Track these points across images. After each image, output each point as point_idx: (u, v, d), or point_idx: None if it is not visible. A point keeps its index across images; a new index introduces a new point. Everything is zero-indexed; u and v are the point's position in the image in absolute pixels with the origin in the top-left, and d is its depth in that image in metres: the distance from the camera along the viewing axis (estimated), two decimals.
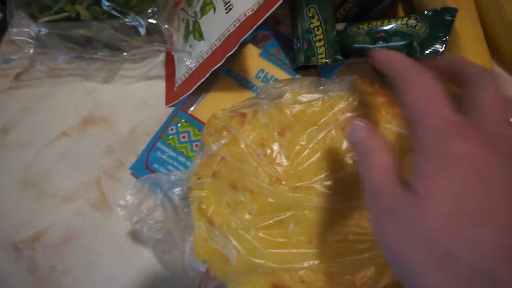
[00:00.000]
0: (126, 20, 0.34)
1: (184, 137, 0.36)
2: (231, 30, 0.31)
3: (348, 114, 0.31)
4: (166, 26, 0.35)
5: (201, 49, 0.35)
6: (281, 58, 0.39)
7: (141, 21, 0.34)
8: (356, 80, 0.34)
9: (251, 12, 0.29)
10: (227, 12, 0.31)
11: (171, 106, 0.39)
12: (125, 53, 0.38)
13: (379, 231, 0.20)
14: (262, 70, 0.38)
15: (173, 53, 0.40)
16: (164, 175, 0.30)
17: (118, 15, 0.34)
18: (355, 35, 0.36)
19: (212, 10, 0.33)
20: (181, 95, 0.38)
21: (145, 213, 0.29)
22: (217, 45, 0.33)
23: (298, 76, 0.38)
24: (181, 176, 0.30)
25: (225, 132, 0.32)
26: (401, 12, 0.39)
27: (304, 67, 0.38)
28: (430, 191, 0.18)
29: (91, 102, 0.41)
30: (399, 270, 0.19)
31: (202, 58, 0.35)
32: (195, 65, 0.36)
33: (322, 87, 0.32)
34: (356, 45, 0.36)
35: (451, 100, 0.20)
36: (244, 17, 0.30)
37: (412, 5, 0.38)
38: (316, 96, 0.31)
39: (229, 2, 0.31)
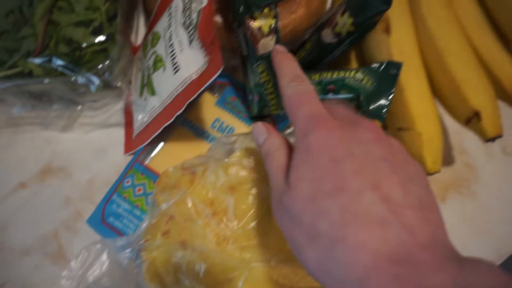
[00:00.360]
0: (78, 78, 0.34)
1: (139, 190, 0.37)
2: (179, 91, 0.32)
3: None
4: (118, 84, 0.36)
5: (154, 104, 0.35)
6: (238, 106, 0.39)
7: (93, 78, 0.35)
8: None
9: (195, 76, 0.30)
10: (174, 73, 0.32)
11: (130, 154, 0.40)
12: (79, 106, 0.38)
13: (276, 219, 0.23)
14: (218, 120, 0.39)
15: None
16: (111, 240, 0.30)
17: (70, 73, 0.35)
18: None
19: (162, 68, 0.34)
20: (138, 145, 0.38)
21: (91, 281, 0.30)
22: (168, 102, 0.33)
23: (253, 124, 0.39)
24: (128, 240, 0.31)
25: (177, 190, 0.32)
26: (353, 60, 0.40)
27: (259, 116, 0.39)
28: (297, 180, 0.22)
29: (50, 151, 0.41)
30: (293, 251, 0.22)
31: (155, 113, 0.35)
32: (148, 119, 0.36)
33: None
34: None
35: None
36: (190, 80, 0.30)
37: (362, 53, 0.39)
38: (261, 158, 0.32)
39: (176, 63, 0.32)
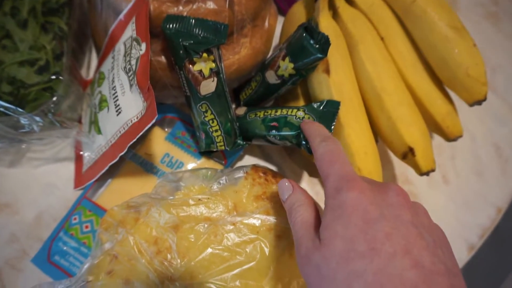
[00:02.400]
0: (20, 119, 0.34)
1: (87, 227, 0.37)
2: (122, 132, 0.32)
3: (239, 209, 0.33)
4: (63, 123, 0.36)
5: (100, 142, 0.36)
6: (187, 141, 0.40)
7: (36, 118, 0.35)
8: (249, 170, 0.36)
9: (136, 120, 0.31)
10: (117, 115, 0.33)
11: (80, 189, 0.40)
12: (24, 145, 0.38)
13: (303, 274, 0.24)
14: (167, 154, 0.39)
15: None
16: (49, 284, 0.30)
17: (12, 114, 0.35)
18: (253, 121, 0.38)
19: (107, 108, 0.34)
20: (87, 180, 0.38)
21: None
22: (112, 142, 0.34)
23: (202, 159, 0.40)
24: (70, 283, 0.31)
25: (120, 229, 0.33)
26: (300, 95, 0.42)
27: (208, 151, 0.40)
28: (330, 237, 0.22)
29: None
30: None
31: (101, 151, 0.36)
32: (95, 157, 0.36)
33: (216, 183, 0.34)
34: (253, 130, 0.38)
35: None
36: (131, 123, 0.31)
37: (307, 89, 0.41)
38: (204, 196, 0.33)
39: (118, 105, 0.32)
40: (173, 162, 0.39)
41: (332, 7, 0.40)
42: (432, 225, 0.24)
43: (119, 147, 0.33)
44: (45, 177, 0.41)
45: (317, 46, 0.35)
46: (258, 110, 0.39)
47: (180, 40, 0.32)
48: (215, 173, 0.36)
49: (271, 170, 0.37)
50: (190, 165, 0.39)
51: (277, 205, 0.34)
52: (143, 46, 0.30)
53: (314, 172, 0.44)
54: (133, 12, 0.34)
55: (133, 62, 0.31)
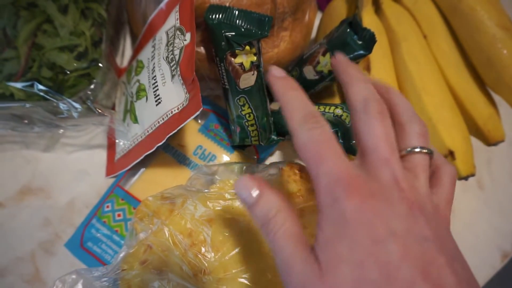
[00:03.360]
0: (60, 104, 0.35)
1: (119, 215, 0.37)
2: (160, 123, 0.32)
3: None
4: (104, 107, 0.36)
5: (136, 131, 0.36)
6: (220, 133, 0.40)
7: (75, 105, 0.35)
8: (284, 166, 0.35)
9: (176, 111, 0.30)
10: (156, 105, 0.32)
11: (112, 177, 0.40)
12: (61, 130, 0.38)
13: None
14: (200, 147, 0.39)
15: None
16: (86, 270, 0.30)
17: (51, 98, 0.35)
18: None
19: (145, 98, 0.34)
20: (120, 169, 0.38)
21: None
22: (149, 132, 0.34)
23: (235, 153, 0.39)
24: (106, 270, 0.31)
25: (155, 220, 0.33)
26: (336, 93, 0.41)
27: (241, 145, 0.39)
28: (332, 261, 0.18)
29: (30, 171, 0.41)
30: None
31: (137, 140, 0.36)
32: (130, 146, 0.36)
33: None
34: (284, 125, 0.38)
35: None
36: (171, 114, 0.31)
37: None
38: None
39: (158, 95, 0.32)
40: (206, 155, 0.39)
41: (376, 3, 0.38)
42: (448, 232, 0.21)
43: (157, 138, 0.32)
44: (78, 164, 0.41)
45: (361, 42, 0.34)
46: None
47: (223, 31, 0.32)
48: (249, 168, 0.36)
49: (305, 167, 0.36)
50: (223, 158, 0.39)
51: (313, 204, 0.34)
52: (188, 36, 0.30)
53: None
54: (176, 1, 0.33)
55: (177, 52, 0.30)
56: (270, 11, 0.36)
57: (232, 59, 0.33)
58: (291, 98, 0.22)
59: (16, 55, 0.36)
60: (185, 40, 0.30)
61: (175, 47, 0.31)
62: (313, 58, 0.37)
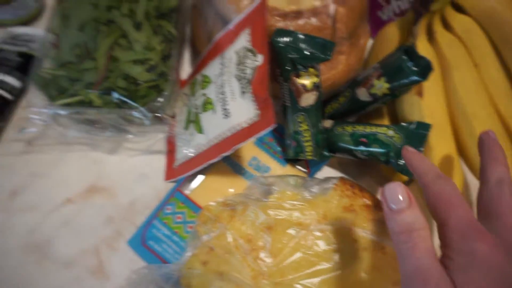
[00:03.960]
0: (133, 112, 0.38)
1: (179, 217, 0.40)
2: (228, 135, 0.35)
3: (328, 218, 0.35)
4: (169, 117, 0.39)
5: (200, 141, 0.39)
6: (274, 147, 0.43)
7: (147, 113, 0.38)
8: (337, 182, 0.38)
9: (245, 125, 0.33)
10: (224, 118, 0.35)
11: (171, 182, 0.43)
12: (129, 135, 0.42)
13: None
14: (255, 158, 0.42)
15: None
16: (156, 267, 0.33)
17: (126, 106, 0.38)
18: (340, 135, 0.40)
19: (212, 111, 0.37)
20: (179, 174, 0.41)
21: None
22: (214, 142, 0.37)
23: (288, 165, 0.42)
24: (173, 268, 0.34)
25: (218, 224, 0.35)
26: (385, 114, 0.43)
27: (294, 159, 0.42)
28: (467, 283, 0.22)
29: (96, 171, 0.44)
30: None
31: (201, 149, 0.38)
32: (193, 154, 0.39)
33: (306, 191, 0.36)
34: (340, 144, 0.40)
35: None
36: (239, 128, 0.34)
37: (394, 109, 0.42)
38: (299, 203, 0.35)
39: (227, 109, 0.35)
40: (260, 166, 0.41)
41: (429, 31, 0.41)
42: None
43: (223, 148, 0.35)
44: (139, 167, 0.44)
45: (416, 69, 0.36)
46: (346, 125, 0.41)
47: (289, 53, 0.35)
48: (303, 181, 0.38)
49: (358, 184, 0.38)
50: (276, 170, 0.41)
51: (364, 219, 0.36)
52: (260, 57, 0.33)
53: None
54: (246, 24, 0.36)
55: (248, 71, 0.33)
56: (330, 36, 0.38)
57: (296, 79, 0.35)
58: (423, 164, 0.29)
59: (95, 66, 0.40)
60: (257, 61, 0.33)
61: (246, 66, 0.33)
62: (367, 81, 0.40)
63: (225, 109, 0.35)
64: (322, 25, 0.37)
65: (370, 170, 0.46)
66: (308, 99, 0.36)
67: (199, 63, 0.43)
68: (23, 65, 0.46)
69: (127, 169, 0.44)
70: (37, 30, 0.49)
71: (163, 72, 0.40)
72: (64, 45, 0.41)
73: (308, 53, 0.35)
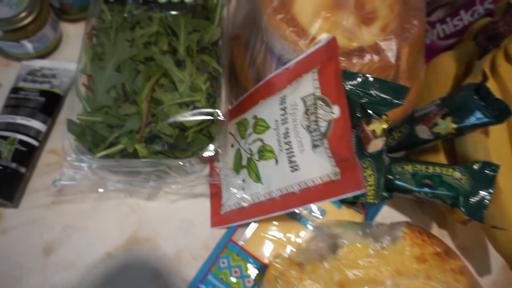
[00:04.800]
0: (180, 162, 0.35)
1: (236, 272, 0.37)
2: (296, 190, 0.32)
3: (402, 272, 0.33)
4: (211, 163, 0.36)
5: (258, 190, 0.36)
6: None
7: (196, 162, 0.35)
8: (405, 229, 0.36)
9: (320, 182, 0.31)
10: (292, 171, 0.32)
11: (219, 228, 0.40)
12: (173, 186, 0.39)
13: None
14: None
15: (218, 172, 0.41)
16: None
17: (173, 156, 0.35)
18: (400, 175, 0.38)
19: (274, 160, 0.34)
20: (230, 222, 0.38)
21: None
22: (277, 195, 0.34)
23: (343, 207, 0.40)
24: None
25: (286, 284, 0.33)
26: (440, 150, 0.41)
27: (351, 202, 0.40)
28: None
29: (135, 220, 0.41)
30: None
31: (258, 199, 0.36)
32: (247, 202, 0.37)
33: (376, 242, 0.34)
34: (398, 183, 0.38)
35: None
36: (312, 184, 0.31)
37: (450, 144, 0.41)
38: (373, 259, 0.33)
39: (294, 162, 0.32)
40: (316, 209, 0.39)
41: (492, 64, 0.39)
42: None
43: (289, 203, 0.33)
44: (182, 213, 0.41)
45: (489, 111, 0.34)
46: (405, 163, 0.39)
47: (360, 99, 0.32)
48: (370, 229, 0.36)
49: (425, 230, 0.37)
50: (332, 213, 0.39)
51: (437, 269, 0.34)
52: (336, 109, 0.30)
53: (443, 224, 0.44)
54: (310, 65, 0.33)
55: (322, 124, 0.30)
56: (393, 75, 0.36)
57: (366, 126, 0.33)
58: None
59: (137, 111, 0.36)
60: (333, 113, 0.30)
61: (318, 117, 0.31)
62: (429, 119, 0.38)
63: (292, 161, 0.32)
64: (385, 64, 0.35)
65: (422, 204, 0.44)
66: (376, 145, 0.34)
67: (245, 100, 0.40)
68: (47, 105, 0.41)
69: (169, 216, 0.41)
70: (58, 63, 0.45)
71: (211, 113, 0.37)
72: (99, 87, 0.37)
73: (380, 99, 0.32)
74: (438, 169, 0.37)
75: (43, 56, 0.46)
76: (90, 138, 0.36)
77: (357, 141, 0.34)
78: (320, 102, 0.31)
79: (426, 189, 0.37)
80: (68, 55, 0.47)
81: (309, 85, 0.32)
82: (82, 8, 0.46)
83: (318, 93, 0.31)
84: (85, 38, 0.39)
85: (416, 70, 0.39)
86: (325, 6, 0.37)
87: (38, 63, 0.45)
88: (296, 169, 0.32)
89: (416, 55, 0.38)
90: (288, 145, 0.33)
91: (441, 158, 0.41)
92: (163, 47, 0.38)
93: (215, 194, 0.41)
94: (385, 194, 0.39)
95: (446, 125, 0.36)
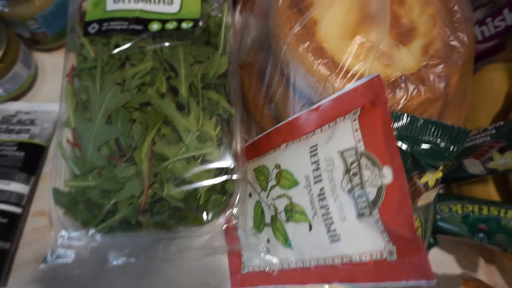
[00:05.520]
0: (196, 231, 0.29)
1: None
2: (337, 263, 0.27)
3: None
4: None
5: (287, 256, 0.30)
6: None
7: (214, 230, 0.30)
8: (462, 283, 0.31)
9: (368, 259, 0.25)
10: (330, 242, 0.27)
11: None
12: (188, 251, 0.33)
13: None
14: None
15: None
16: None
17: (184, 224, 0.29)
18: (449, 218, 0.33)
19: (307, 225, 0.28)
20: (253, 285, 0.33)
21: None
22: (312, 265, 0.28)
23: None
24: None
25: None
26: (489, 181, 0.36)
27: None
28: None
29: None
30: None
31: (288, 266, 0.30)
32: (277, 268, 0.31)
33: None
34: (445, 225, 0.33)
35: None
36: (358, 260, 0.25)
37: (503, 178, 0.35)
38: None
39: (334, 231, 0.27)
40: None
41: None
42: None
43: (328, 276, 0.27)
44: (197, 274, 0.36)
45: None
46: (453, 202, 0.33)
47: (411, 148, 0.26)
48: None
49: (483, 283, 0.32)
50: None
51: None
52: (387, 172, 0.24)
53: (490, 259, 0.39)
54: (347, 107, 0.27)
55: (370, 189, 0.24)
56: (441, 106, 0.30)
57: (418, 180, 0.27)
58: None
59: (137, 172, 0.30)
60: (384, 177, 0.24)
61: (365, 180, 0.25)
62: (482, 151, 0.32)
63: (331, 230, 0.27)
64: (433, 95, 0.29)
65: (463, 242, 0.39)
66: (428, 198, 0.28)
67: (262, 139, 0.34)
68: (27, 161, 0.35)
69: (183, 280, 0.36)
70: (36, 106, 0.38)
71: (226, 170, 0.31)
72: (88, 144, 0.30)
73: (436, 147, 0.26)
74: (494, 211, 0.32)
75: (17, 97, 0.39)
76: (84, 208, 0.30)
77: None
78: (365, 159, 0.25)
79: (482, 235, 0.32)
80: (47, 93, 0.40)
81: (348, 135, 0.26)
82: (57, 36, 0.39)
83: (362, 147, 0.25)
84: (65, 82, 0.32)
85: (465, 91, 0.33)
86: (355, 24, 0.30)
87: (12, 107, 0.38)
88: (337, 240, 0.26)
89: (466, 76, 0.31)
90: (325, 209, 0.27)
91: (491, 189, 0.36)
92: (160, 88, 0.31)
93: (235, 251, 0.35)
94: (432, 241, 0.34)
95: (505, 161, 0.31)
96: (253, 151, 0.35)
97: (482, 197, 0.34)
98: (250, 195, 0.35)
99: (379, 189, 0.24)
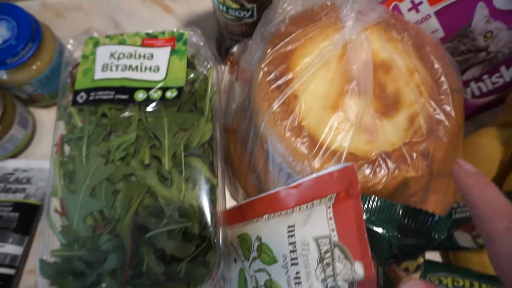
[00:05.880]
0: None
1: None
2: None
3: None
4: None
5: None
6: None
7: None
8: None
9: None
10: None
11: None
12: None
13: None
14: None
15: None
16: None
17: None
18: None
19: None
20: None
21: None
22: None
23: None
24: None
25: None
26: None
27: None
28: None
29: None
30: None
31: None
32: None
33: None
34: None
35: None
36: None
37: None
38: None
39: None
40: None
41: None
42: None
43: None
44: None
45: None
46: (443, 274, 0.32)
47: (390, 240, 0.26)
48: None
49: None
50: None
51: None
52: (359, 268, 0.23)
53: None
54: (324, 190, 0.27)
55: (342, 283, 0.24)
56: (425, 182, 0.29)
57: (397, 267, 0.26)
58: (490, 199, 0.19)
59: (119, 245, 0.30)
60: (355, 272, 0.24)
61: (337, 273, 0.24)
62: (472, 226, 0.31)
63: None
64: (416, 174, 0.28)
65: None
66: (407, 280, 0.27)
67: (247, 205, 0.34)
68: (22, 222, 0.36)
69: None
70: (33, 163, 0.39)
71: (207, 238, 0.31)
72: (74, 214, 0.31)
73: (415, 236, 0.26)
74: (486, 286, 0.31)
75: (14, 155, 0.40)
76: (70, 278, 0.31)
77: (384, 281, 0.27)
78: (338, 251, 0.25)
79: None
80: (44, 148, 0.41)
81: (323, 223, 0.26)
82: (54, 95, 0.40)
83: (335, 238, 0.25)
84: (53, 152, 0.33)
85: (452, 161, 0.32)
86: (337, 95, 0.30)
87: (10, 164, 0.39)
88: None
89: (453, 151, 0.30)
90: None
91: (487, 259, 0.34)
92: (144, 159, 0.32)
93: None
94: None
95: None
96: (239, 215, 0.35)
97: (477, 268, 0.33)
98: (235, 260, 0.34)
99: (351, 285, 0.24)
